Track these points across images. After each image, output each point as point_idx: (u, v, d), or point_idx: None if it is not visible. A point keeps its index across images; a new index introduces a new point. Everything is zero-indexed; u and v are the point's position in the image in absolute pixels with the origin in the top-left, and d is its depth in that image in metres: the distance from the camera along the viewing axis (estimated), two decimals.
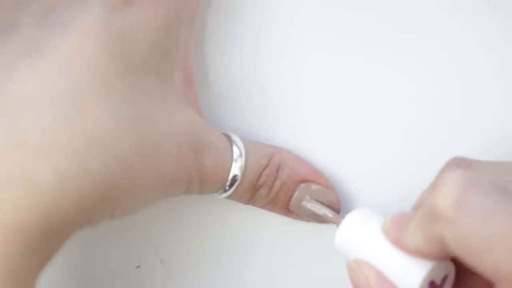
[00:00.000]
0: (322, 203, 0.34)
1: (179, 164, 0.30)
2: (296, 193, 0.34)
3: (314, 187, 0.34)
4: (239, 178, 0.33)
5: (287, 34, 0.35)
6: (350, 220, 0.31)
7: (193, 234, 0.38)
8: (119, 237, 0.39)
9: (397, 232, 0.29)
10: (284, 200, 0.34)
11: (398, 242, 0.29)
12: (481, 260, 0.25)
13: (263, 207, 0.35)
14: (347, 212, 0.31)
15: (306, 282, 0.37)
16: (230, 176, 0.32)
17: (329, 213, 0.33)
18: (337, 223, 0.32)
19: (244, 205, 0.35)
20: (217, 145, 0.32)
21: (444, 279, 0.29)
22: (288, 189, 0.34)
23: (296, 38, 0.35)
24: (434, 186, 0.29)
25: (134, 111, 0.29)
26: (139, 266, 0.39)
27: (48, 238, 0.26)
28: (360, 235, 0.30)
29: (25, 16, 0.29)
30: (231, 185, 0.33)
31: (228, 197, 0.33)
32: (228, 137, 0.33)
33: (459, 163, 0.29)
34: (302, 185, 0.34)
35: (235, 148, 0.33)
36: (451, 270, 0.29)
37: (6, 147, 0.26)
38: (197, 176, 0.31)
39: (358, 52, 0.34)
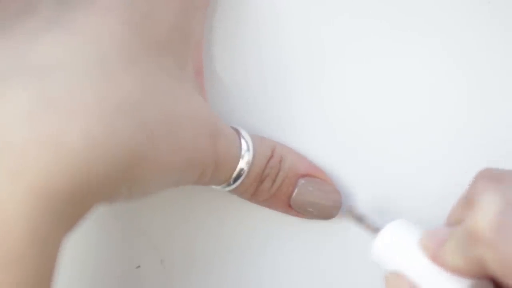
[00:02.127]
0: (321, 199, 0.34)
1: (197, 144, 0.30)
2: (297, 188, 0.34)
3: (315, 180, 0.34)
4: (248, 167, 0.33)
5: (287, 34, 0.35)
6: (389, 231, 0.31)
7: (193, 234, 0.38)
8: (119, 237, 0.39)
9: (435, 248, 0.29)
10: (286, 194, 0.34)
11: (437, 259, 0.29)
12: None
13: (265, 202, 0.35)
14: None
15: (307, 282, 0.37)
16: (239, 166, 0.32)
17: (367, 225, 0.33)
18: (372, 230, 0.32)
19: (244, 205, 0.35)
20: (227, 133, 0.32)
21: None
22: (290, 182, 0.34)
23: (298, 37, 0.35)
24: (468, 202, 0.29)
25: (158, 85, 0.29)
26: (139, 266, 0.39)
27: (74, 203, 0.25)
28: (399, 247, 0.30)
29: None
30: (238, 176, 0.33)
31: (234, 190, 0.33)
32: (236, 130, 0.33)
33: (490, 176, 0.29)
34: (303, 181, 0.34)
35: (243, 141, 0.33)
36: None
37: (36, 108, 0.25)
38: (211, 161, 0.31)
39: (360, 52, 0.34)
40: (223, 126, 0.32)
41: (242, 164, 0.33)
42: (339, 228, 0.35)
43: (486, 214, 0.25)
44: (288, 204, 0.35)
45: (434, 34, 0.33)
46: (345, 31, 0.34)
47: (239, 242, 0.38)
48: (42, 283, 0.25)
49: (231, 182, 0.33)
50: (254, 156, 0.33)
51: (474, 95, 0.33)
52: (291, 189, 0.34)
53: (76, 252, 0.39)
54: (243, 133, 0.33)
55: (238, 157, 0.32)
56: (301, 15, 0.34)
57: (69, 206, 0.25)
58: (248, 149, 0.33)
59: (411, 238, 0.30)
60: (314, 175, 0.35)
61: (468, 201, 0.29)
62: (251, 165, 0.33)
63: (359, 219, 0.33)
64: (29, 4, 0.29)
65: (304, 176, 0.34)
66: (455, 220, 0.30)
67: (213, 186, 0.34)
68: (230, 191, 0.34)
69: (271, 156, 0.34)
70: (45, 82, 0.26)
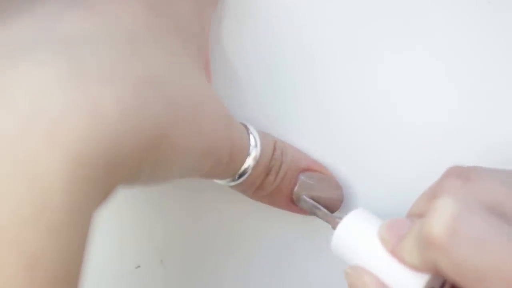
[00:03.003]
0: (324, 193, 0.34)
1: (216, 132, 0.30)
2: (299, 181, 0.34)
3: (316, 174, 0.34)
4: (254, 162, 0.33)
5: (288, 33, 0.35)
6: (346, 224, 0.31)
7: (193, 234, 0.38)
8: (119, 237, 0.39)
9: (394, 242, 0.29)
10: (288, 187, 0.34)
11: (395, 254, 0.29)
12: None
13: (267, 198, 0.34)
14: (347, 208, 0.31)
15: (308, 281, 0.37)
16: (248, 161, 0.32)
17: (325, 215, 0.33)
18: (333, 225, 0.31)
19: (244, 205, 0.36)
20: (239, 125, 0.32)
21: (443, 284, 0.29)
22: (292, 175, 0.34)
23: (300, 36, 0.35)
24: (433, 197, 0.29)
25: (183, 67, 0.29)
26: (139, 266, 0.39)
27: (107, 173, 0.25)
28: (357, 239, 0.30)
29: None
30: (244, 172, 0.33)
31: (240, 185, 0.33)
32: (244, 125, 0.33)
33: (458, 173, 0.29)
34: (302, 177, 0.34)
35: (251, 136, 0.33)
36: None
37: (68, 77, 0.24)
38: (227, 152, 0.31)
39: (363, 52, 0.34)
40: (235, 119, 0.32)
41: (250, 159, 0.33)
42: None
43: (441, 218, 0.25)
44: (290, 198, 0.35)
45: (433, 34, 0.33)
46: (348, 31, 0.34)
47: (239, 242, 0.38)
48: (78, 252, 0.25)
49: (236, 178, 0.33)
50: (261, 150, 0.33)
51: (474, 96, 0.33)
52: (294, 181, 0.34)
53: None
54: (251, 128, 0.33)
55: (248, 151, 0.32)
56: (302, 15, 0.34)
57: (103, 177, 0.25)
58: (256, 145, 0.33)
59: (370, 229, 0.30)
60: (315, 169, 0.35)
61: (433, 196, 0.29)
62: (259, 158, 0.33)
63: (315, 209, 0.33)
64: None
65: (305, 170, 0.34)
66: (418, 212, 0.30)
67: (218, 181, 0.34)
68: (235, 186, 0.33)
69: (274, 149, 0.34)
70: (74, 53, 0.25)
